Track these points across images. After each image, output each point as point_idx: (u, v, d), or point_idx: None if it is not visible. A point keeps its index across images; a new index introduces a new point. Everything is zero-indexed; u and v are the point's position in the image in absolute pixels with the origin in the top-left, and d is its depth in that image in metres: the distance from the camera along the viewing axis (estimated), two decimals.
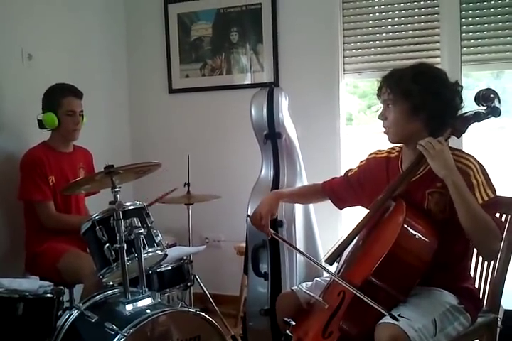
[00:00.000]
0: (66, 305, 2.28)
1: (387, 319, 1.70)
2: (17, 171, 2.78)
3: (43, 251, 2.71)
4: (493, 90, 1.91)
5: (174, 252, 2.59)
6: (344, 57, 3.44)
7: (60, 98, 2.80)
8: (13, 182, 2.79)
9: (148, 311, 2.02)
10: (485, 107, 1.90)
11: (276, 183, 2.73)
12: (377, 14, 3.36)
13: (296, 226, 2.65)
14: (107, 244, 2.12)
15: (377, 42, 3.38)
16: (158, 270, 2.53)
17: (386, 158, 2.12)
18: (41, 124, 2.81)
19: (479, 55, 3.18)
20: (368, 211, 2.01)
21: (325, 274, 2.18)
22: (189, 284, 2.71)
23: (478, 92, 1.90)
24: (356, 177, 2.19)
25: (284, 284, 2.59)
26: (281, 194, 2.31)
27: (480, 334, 2.04)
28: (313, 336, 1.89)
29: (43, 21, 3.20)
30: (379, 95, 2.01)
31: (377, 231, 1.98)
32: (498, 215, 1.99)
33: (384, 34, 3.35)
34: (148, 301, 2.10)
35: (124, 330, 1.89)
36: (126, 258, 2.07)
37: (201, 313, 2.09)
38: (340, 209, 2.31)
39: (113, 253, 2.11)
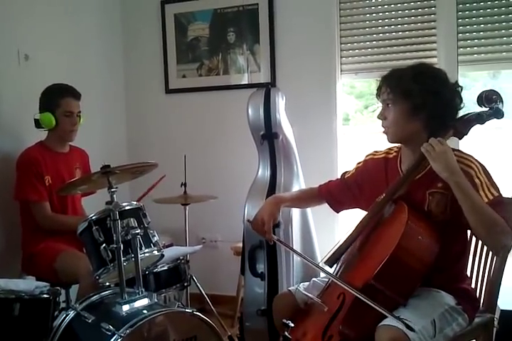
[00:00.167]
0: (62, 305, 2.28)
1: (387, 321, 1.69)
2: (13, 171, 2.77)
3: (39, 251, 2.70)
4: (495, 91, 1.89)
5: (171, 252, 2.58)
6: (341, 57, 3.44)
7: (58, 98, 2.79)
8: (9, 182, 2.79)
9: (144, 311, 2.01)
10: (487, 108, 1.88)
11: (273, 183, 2.72)
12: (374, 14, 3.37)
13: (293, 227, 2.65)
14: (104, 245, 2.11)
15: (374, 42, 3.38)
16: (154, 270, 2.53)
17: (384, 158, 2.10)
18: (38, 124, 2.80)
19: (476, 55, 3.19)
20: (366, 213, 1.99)
21: (322, 274, 2.17)
22: (186, 284, 2.70)
23: (481, 93, 1.88)
24: (354, 179, 2.17)
25: (280, 284, 2.59)
26: (281, 198, 2.26)
27: (477, 334, 2.04)
28: (313, 339, 1.87)
29: (39, 21, 3.18)
30: (378, 95, 1.99)
31: (377, 233, 1.96)
32: None
33: (381, 34, 3.36)
34: (144, 301, 2.10)
35: (120, 331, 1.89)
36: (122, 259, 2.07)
37: (198, 313, 2.08)
38: (338, 212, 2.28)
39: (109, 253, 2.10)
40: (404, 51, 3.31)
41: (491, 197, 1.81)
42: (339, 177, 2.27)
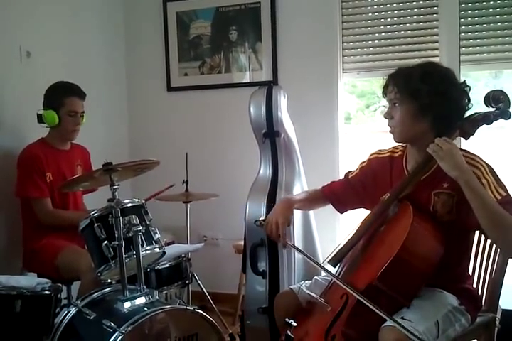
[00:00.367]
0: (64, 302, 2.28)
1: (391, 322, 1.68)
2: (14, 168, 2.77)
3: (40, 247, 2.70)
4: (503, 91, 1.86)
5: (173, 250, 2.59)
6: (343, 56, 3.44)
7: (63, 97, 2.78)
8: (10, 178, 2.78)
9: (146, 309, 2.02)
10: (494, 109, 1.86)
11: (274, 182, 2.71)
12: (376, 14, 3.37)
13: (294, 226, 2.64)
14: (105, 242, 2.12)
15: (376, 41, 3.39)
16: (156, 268, 2.53)
17: (389, 157, 2.08)
18: (40, 119, 2.79)
19: (478, 54, 3.19)
20: (370, 212, 1.98)
21: (324, 273, 2.17)
22: (187, 282, 2.71)
23: (488, 93, 1.86)
24: (358, 179, 2.15)
25: (282, 282, 2.58)
26: (293, 201, 2.24)
27: (478, 333, 2.04)
28: (316, 338, 1.86)
29: (41, 19, 3.18)
30: (385, 93, 1.96)
31: (381, 233, 1.94)
32: None
33: (383, 34, 3.36)
34: (146, 299, 2.10)
35: (122, 328, 1.89)
36: (124, 256, 2.07)
37: (199, 311, 2.08)
38: (342, 212, 2.27)
39: (111, 250, 2.11)
40: (406, 50, 3.31)
41: (499, 197, 1.78)
42: (342, 177, 2.27)
